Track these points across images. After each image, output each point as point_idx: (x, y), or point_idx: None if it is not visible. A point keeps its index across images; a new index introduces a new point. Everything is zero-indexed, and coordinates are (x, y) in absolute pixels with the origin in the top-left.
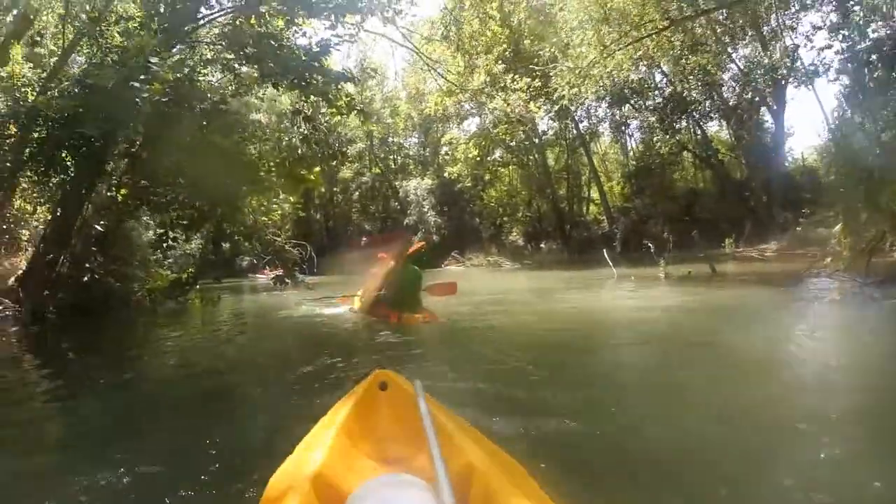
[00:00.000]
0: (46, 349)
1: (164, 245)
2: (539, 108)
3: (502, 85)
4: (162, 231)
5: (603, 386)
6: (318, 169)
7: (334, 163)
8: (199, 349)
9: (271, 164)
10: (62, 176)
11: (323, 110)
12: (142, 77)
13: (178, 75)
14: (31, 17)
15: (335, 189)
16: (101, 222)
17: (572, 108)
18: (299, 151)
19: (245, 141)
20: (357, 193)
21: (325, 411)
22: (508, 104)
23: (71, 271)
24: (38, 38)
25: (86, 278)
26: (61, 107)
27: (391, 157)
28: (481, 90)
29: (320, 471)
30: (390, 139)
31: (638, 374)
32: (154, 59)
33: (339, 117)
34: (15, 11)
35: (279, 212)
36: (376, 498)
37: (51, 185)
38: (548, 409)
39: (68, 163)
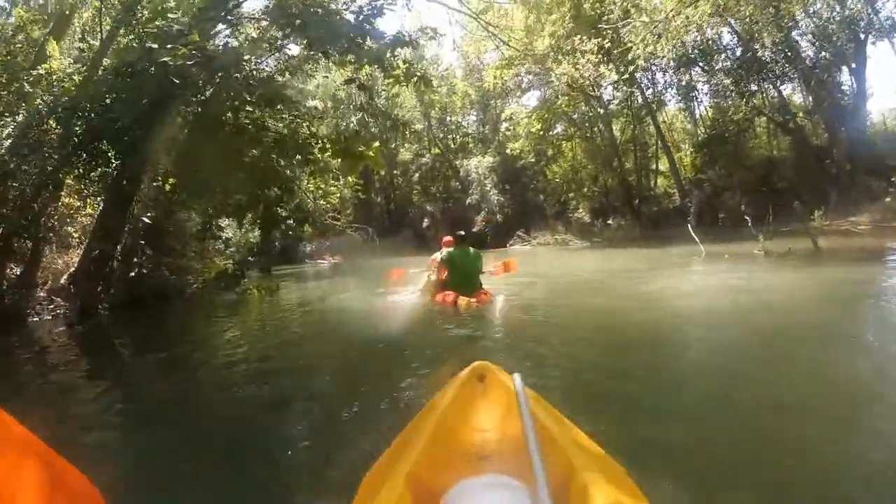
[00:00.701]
0: (84, 350)
1: (209, 234)
2: (610, 71)
3: (568, 49)
4: (205, 220)
5: (724, 394)
6: (376, 145)
7: (393, 145)
8: (255, 343)
9: (326, 142)
10: (105, 168)
11: (382, 90)
12: (169, 46)
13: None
14: (67, 12)
15: (395, 171)
16: (149, 214)
17: (638, 74)
18: (355, 127)
19: (298, 120)
20: (417, 175)
21: (407, 404)
22: (577, 68)
23: (123, 266)
24: (82, 35)
25: (133, 273)
26: (95, 96)
27: (450, 136)
28: (546, 55)
29: (414, 469)
30: (448, 118)
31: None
32: (173, 16)
33: (396, 88)
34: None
35: (337, 195)
36: (471, 501)
37: (94, 177)
38: (651, 407)
39: (110, 154)
